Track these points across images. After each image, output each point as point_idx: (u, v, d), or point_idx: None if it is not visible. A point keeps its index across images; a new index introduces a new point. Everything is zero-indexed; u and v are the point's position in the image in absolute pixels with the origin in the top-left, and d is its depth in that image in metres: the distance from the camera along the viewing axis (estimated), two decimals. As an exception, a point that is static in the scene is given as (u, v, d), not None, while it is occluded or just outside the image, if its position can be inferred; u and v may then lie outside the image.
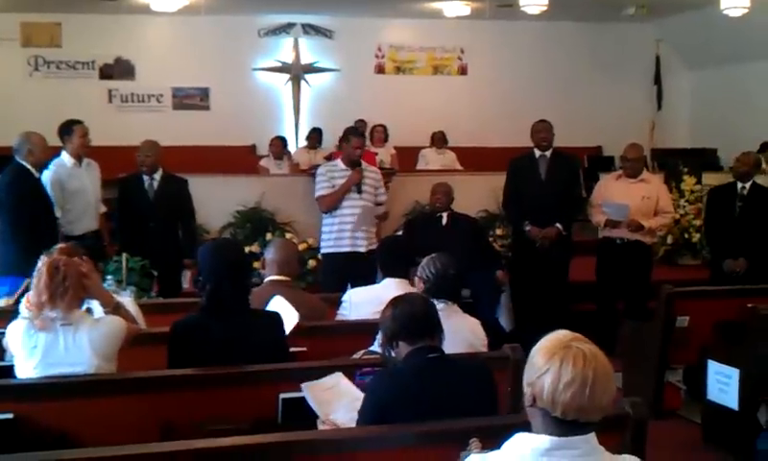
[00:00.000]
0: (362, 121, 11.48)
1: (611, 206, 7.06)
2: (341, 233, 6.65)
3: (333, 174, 6.70)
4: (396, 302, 3.29)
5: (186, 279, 7.06)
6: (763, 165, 9.87)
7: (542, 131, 7.15)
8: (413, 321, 3.18)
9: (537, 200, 7.04)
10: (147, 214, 6.84)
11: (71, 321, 3.37)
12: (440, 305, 3.65)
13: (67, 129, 6.67)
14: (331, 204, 6.65)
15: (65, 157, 6.67)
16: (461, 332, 4.01)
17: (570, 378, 2.09)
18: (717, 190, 7.59)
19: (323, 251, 6.91)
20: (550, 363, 2.12)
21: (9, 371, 3.58)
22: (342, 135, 7.17)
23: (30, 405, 3.23)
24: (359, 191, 6.65)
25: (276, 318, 3.83)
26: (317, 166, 7.71)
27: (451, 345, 3.45)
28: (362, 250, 6.56)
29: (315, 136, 11.61)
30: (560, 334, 2.19)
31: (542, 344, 2.18)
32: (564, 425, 2.13)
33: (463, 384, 3.14)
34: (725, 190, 7.36)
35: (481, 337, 4.18)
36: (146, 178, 6.90)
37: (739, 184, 7.13)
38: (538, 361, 2.16)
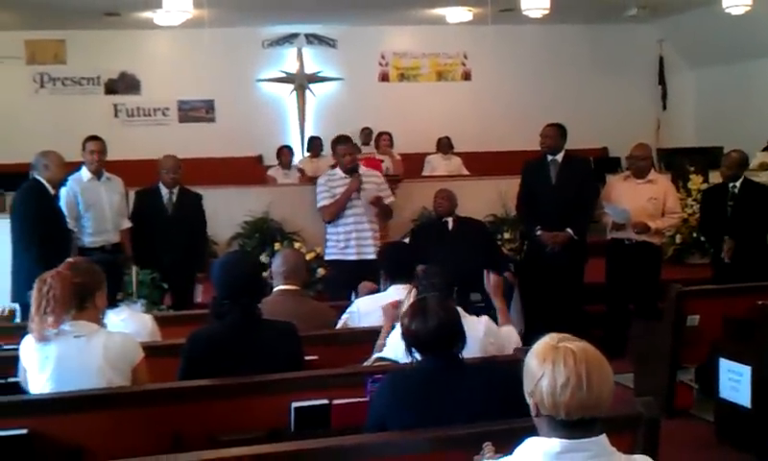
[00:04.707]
0: (368, 129, 11.53)
1: (612, 208, 7.08)
2: (347, 242, 6.68)
3: (333, 183, 6.74)
4: (410, 314, 3.24)
5: (199, 293, 7.08)
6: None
7: (544, 135, 7.10)
8: (422, 336, 3.15)
9: (548, 204, 7.01)
10: (165, 228, 6.88)
11: (85, 333, 3.38)
12: None
13: (83, 144, 6.83)
14: (334, 213, 6.69)
15: (83, 171, 6.82)
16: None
17: (565, 378, 2.11)
18: (710, 191, 7.59)
19: (328, 258, 6.95)
20: (543, 368, 2.15)
21: (17, 387, 3.60)
22: (331, 147, 7.20)
23: (44, 420, 3.23)
24: (359, 197, 6.68)
25: (290, 329, 3.83)
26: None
27: None
28: (370, 257, 6.53)
29: (317, 144, 11.61)
30: (548, 338, 2.22)
31: (533, 351, 2.21)
32: (572, 427, 2.14)
33: (478, 390, 3.10)
34: (717, 190, 7.35)
35: (494, 331, 4.06)
36: (165, 192, 6.96)
37: (730, 184, 7.10)
38: (532, 369, 2.19)
